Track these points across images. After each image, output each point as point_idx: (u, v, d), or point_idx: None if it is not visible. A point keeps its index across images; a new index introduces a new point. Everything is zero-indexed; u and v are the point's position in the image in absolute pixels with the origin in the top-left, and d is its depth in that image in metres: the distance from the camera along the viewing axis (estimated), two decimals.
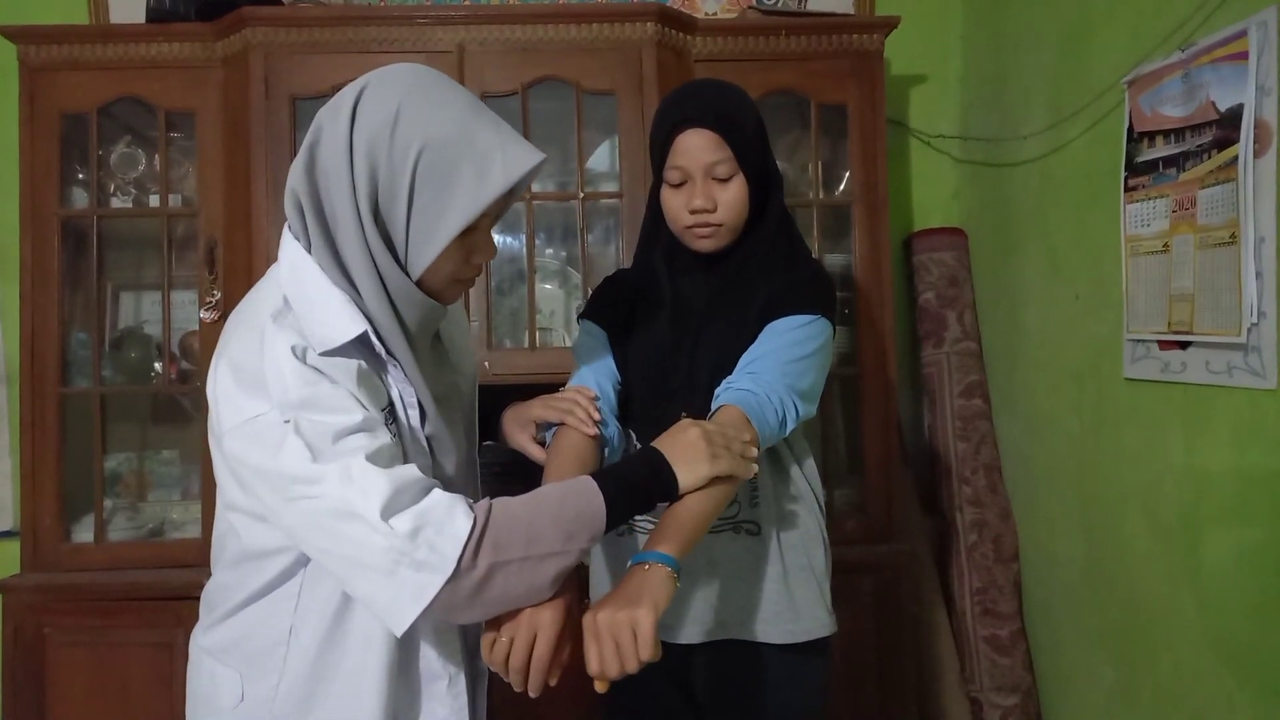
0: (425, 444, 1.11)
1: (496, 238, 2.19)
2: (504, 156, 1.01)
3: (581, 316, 1.48)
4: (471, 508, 0.97)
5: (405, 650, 1.10)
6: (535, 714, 1.99)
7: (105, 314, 2.24)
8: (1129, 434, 1.86)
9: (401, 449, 1.06)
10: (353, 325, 1.01)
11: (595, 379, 1.39)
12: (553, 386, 1.41)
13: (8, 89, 2.14)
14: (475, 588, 0.95)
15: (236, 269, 2.07)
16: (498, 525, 0.97)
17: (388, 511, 0.93)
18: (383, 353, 1.05)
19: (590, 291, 1.55)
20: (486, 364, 2.08)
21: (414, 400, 1.09)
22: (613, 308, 1.44)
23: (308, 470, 0.95)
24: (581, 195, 2.16)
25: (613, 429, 1.36)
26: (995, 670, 2.30)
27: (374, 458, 0.96)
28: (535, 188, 2.18)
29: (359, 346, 1.03)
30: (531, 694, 0.99)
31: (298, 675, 1.08)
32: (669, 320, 1.38)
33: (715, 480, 1.10)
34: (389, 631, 1.02)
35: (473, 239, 1.06)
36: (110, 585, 2.04)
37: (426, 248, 1.02)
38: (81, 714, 2.02)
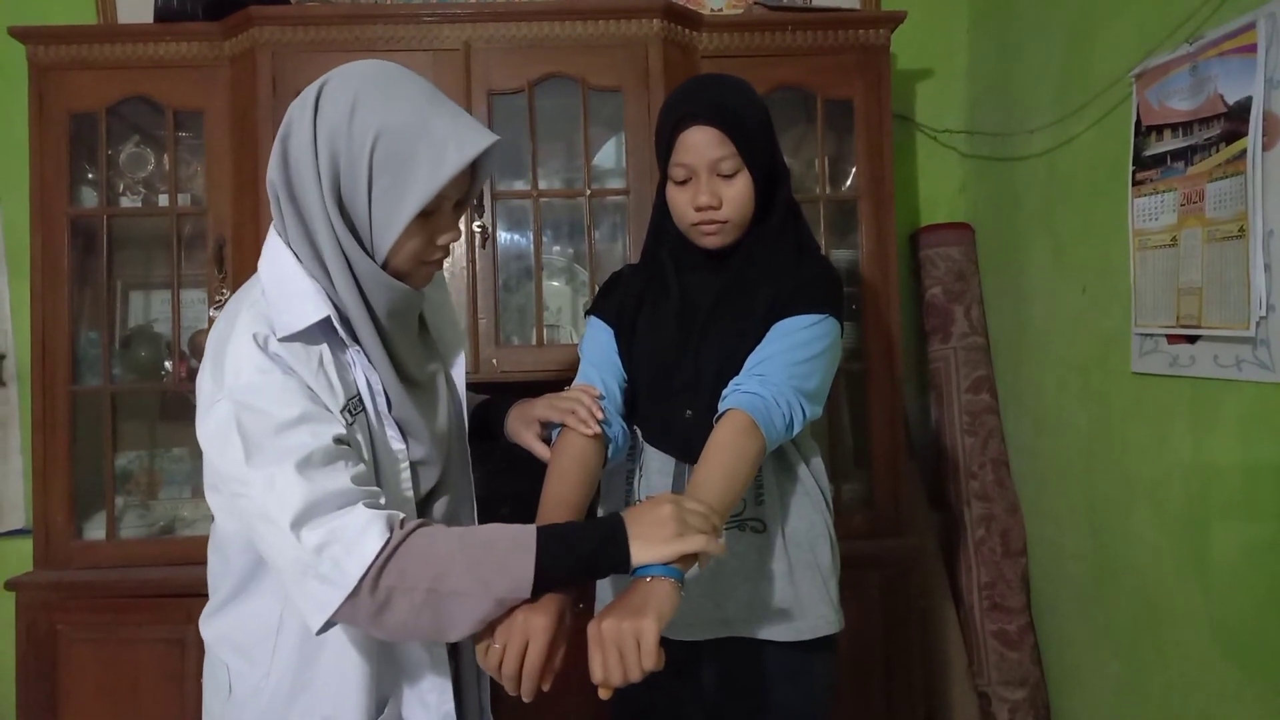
0: (396, 428, 1.13)
1: (503, 235, 2.23)
2: (458, 140, 1.04)
3: (589, 313, 1.48)
4: (391, 528, 0.97)
5: None
6: (546, 709, 2.01)
7: (115, 313, 2.25)
8: (1137, 428, 1.85)
9: (369, 437, 1.10)
10: (315, 311, 1.05)
11: (600, 377, 1.39)
12: (560, 383, 1.41)
13: (17, 89, 2.15)
14: (376, 609, 0.96)
15: (245, 267, 2.07)
16: (410, 552, 0.96)
17: (298, 522, 0.96)
18: (346, 338, 1.08)
19: (598, 288, 1.55)
20: (495, 361, 2.09)
21: (380, 386, 1.11)
22: (620, 305, 1.44)
23: (241, 472, 0.99)
24: (588, 192, 2.16)
25: (616, 428, 1.36)
26: (1003, 664, 2.30)
27: (307, 461, 0.97)
28: (542, 184, 2.19)
29: (324, 332, 1.07)
30: (525, 699, 0.99)
31: (286, 665, 1.11)
32: (675, 318, 1.37)
33: (685, 558, 1.04)
34: None
35: (435, 221, 1.09)
36: (121, 582, 2.06)
37: (388, 230, 1.05)
38: (93, 710, 2.04)
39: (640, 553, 1.01)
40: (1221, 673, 1.62)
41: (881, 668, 2.14)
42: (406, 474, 1.14)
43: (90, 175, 2.22)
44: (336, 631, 1.08)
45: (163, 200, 2.23)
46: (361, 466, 1.04)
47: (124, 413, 2.25)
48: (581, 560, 1.01)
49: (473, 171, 1.12)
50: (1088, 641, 2.08)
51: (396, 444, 1.12)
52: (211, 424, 1.02)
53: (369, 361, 1.10)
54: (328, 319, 1.06)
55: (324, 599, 0.96)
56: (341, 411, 1.05)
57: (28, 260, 2.13)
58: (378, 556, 0.95)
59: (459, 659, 1.28)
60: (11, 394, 2.41)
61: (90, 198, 2.22)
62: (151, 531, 2.20)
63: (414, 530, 0.99)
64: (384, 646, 1.13)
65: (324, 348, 1.06)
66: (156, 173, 2.28)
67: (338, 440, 1.02)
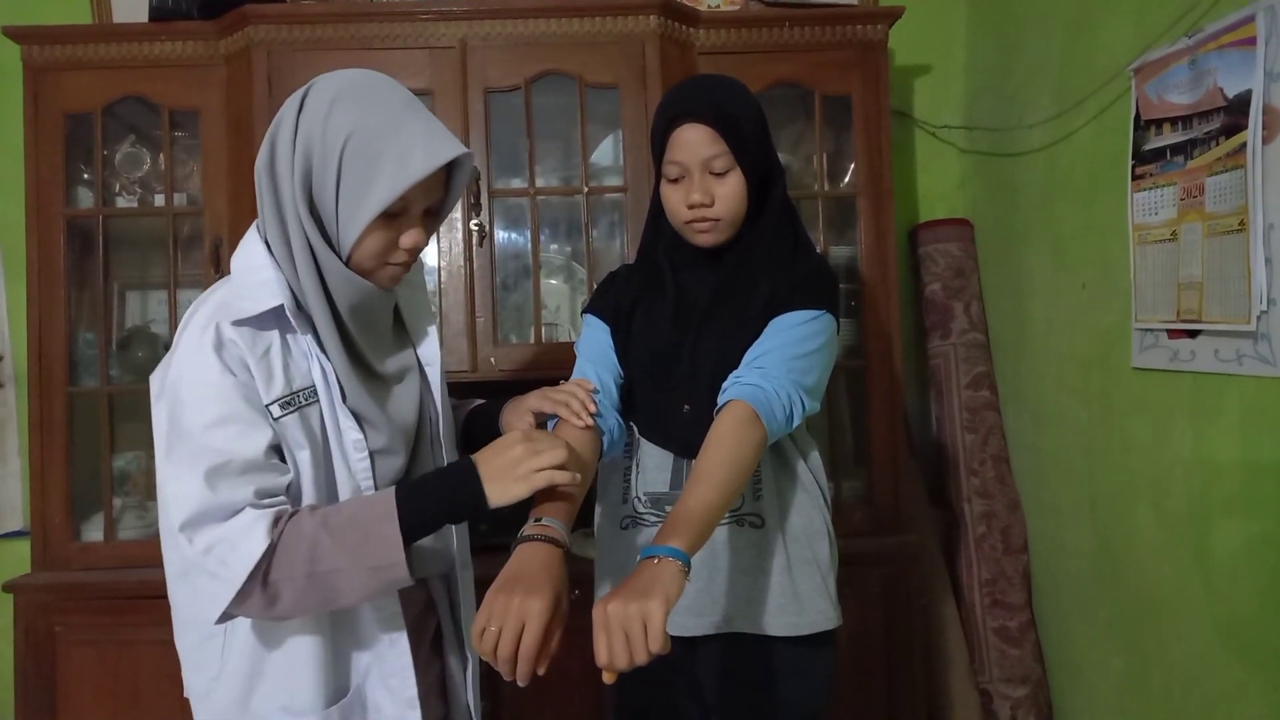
0: (352, 418, 1.15)
1: (501, 234, 2.23)
2: (426, 147, 1.07)
3: (585, 311, 1.49)
4: (276, 524, 1.03)
5: (341, 618, 1.14)
6: (544, 703, 2.00)
7: (112, 313, 2.24)
8: (1137, 424, 1.85)
9: (321, 425, 1.13)
10: (271, 298, 1.09)
11: (595, 372, 1.39)
12: (559, 382, 1.41)
13: (12, 89, 2.15)
14: (267, 601, 1.04)
15: None
16: (285, 545, 1.03)
17: (188, 526, 1.03)
18: (298, 327, 1.10)
19: (595, 286, 1.55)
20: (493, 360, 2.08)
21: (334, 377, 1.14)
22: (616, 303, 1.45)
23: (160, 466, 1.07)
24: (585, 190, 2.16)
25: (611, 421, 1.36)
26: (1005, 661, 2.29)
27: (219, 470, 1.03)
28: (539, 182, 2.18)
29: (279, 321, 1.11)
30: (520, 683, 0.99)
31: (239, 663, 1.14)
32: (671, 315, 1.38)
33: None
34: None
35: (401, 224, 1.12)
36: (119, 583, 2.05)
37: (351, 226, 1.08)
38: (92, 712, 2.04)
39: (494, 494, 1.07)
40: (1224, 668, 1.62)
41: (883, 665, 2.13)
42: (364, 463, 1.15)
43: (86, 176, 2.21)
44: (286, 626, 1.12)
45: (159, 200, 2.22)
46: (285, 478, 1.08)
47: (121, 414, 2.24)
48: (443, 510, 1.08)
49: (447, 184, 1.15)
50: (1089, 638, 2.07)
51: (353, 434, 1.14)
52: (156, 414, 1.09)
53: (323, 352, 1.13)
54: (281, 306, 1.09)
55: (214, 594, 1.03)
56: (274, 403, 1.08)
57: (24, 262, 2.12)
58: (263, 555, 1.01)
59: (444, 659, 1.28)
60: (9, 396, 2.41)
61: (86, 198, 2.21)
62: (149, 532, 2.19)
63: (288, 522, 1.04)
64: (341, 631, 1.15)
65: (275, 335, 1.11)
66: (152, 173, 2.27)
67: (268, 448, 1.06)
